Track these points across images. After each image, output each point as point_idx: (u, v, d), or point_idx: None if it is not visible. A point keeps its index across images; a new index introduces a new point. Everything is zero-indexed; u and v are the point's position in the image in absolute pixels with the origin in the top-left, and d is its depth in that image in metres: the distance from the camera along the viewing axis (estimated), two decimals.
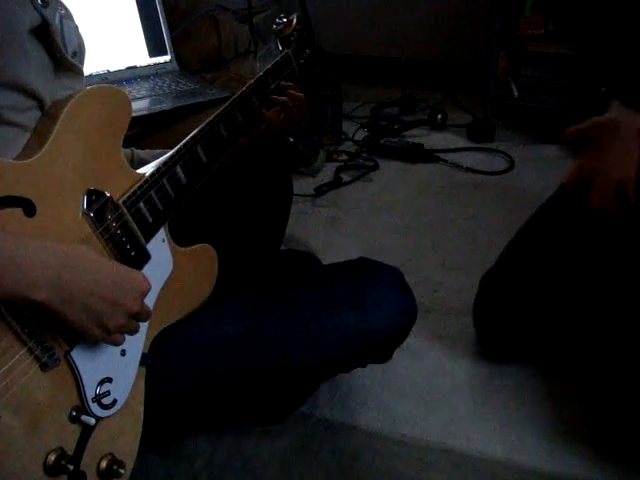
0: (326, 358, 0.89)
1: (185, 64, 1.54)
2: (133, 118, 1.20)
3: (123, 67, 1.43)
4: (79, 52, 0.79)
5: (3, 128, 0.65)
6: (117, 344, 0.66)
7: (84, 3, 1.33)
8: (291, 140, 1.76)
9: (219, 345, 0.85)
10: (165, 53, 1.49)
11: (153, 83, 1.41)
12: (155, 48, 1.48)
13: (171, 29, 1.51)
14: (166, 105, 1.28)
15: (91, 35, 1.33)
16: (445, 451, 1.03)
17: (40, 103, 0.68)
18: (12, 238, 0.55)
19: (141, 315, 0.67)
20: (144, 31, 1.46)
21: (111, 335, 0.64)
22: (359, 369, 1.17)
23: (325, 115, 1.96)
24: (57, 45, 0.71)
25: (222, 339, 0.85)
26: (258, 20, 1.94)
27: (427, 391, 1.13)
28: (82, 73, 0.77)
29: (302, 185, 1.80)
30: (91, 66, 1.37)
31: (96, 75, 1.38)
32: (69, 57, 0.73)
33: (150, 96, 1.35)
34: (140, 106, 1.29)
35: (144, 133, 1.22)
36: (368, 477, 1.00)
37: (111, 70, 1.41)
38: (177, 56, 1.52)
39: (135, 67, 1.45)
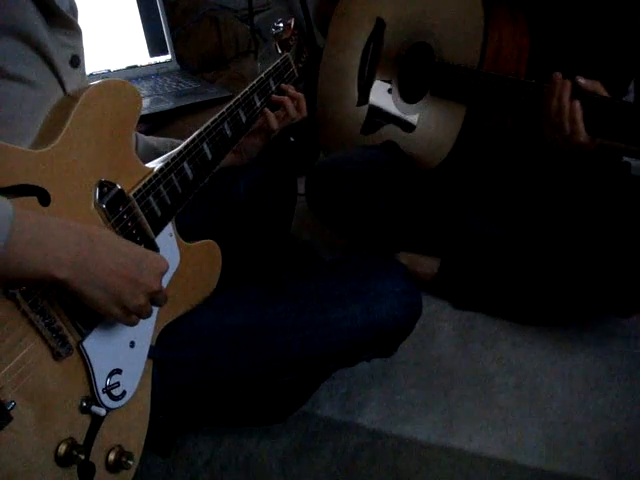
0: (330, 350, 0.89)
1: (186, 63, 1.55)
2: None
3: (124, 66, 1.44)
4: (72, 12, 0.78)
5: (6, 83, 0.63)
6: (132, 324, 0.67)
7: (85, 3, 1.34)
8: (292, 140, 1.76)
9: (224, 336, 0.85)
10: (166, 52, 1.50)
11: (154, 82, 1.42)
12: (156, 47, 1.48)
13: (172, 28, 1.51)
14: (167, 105, 1.29)
15: (92, 35, 1.34)
16: (446, 450, 1.03)
17: (44, 56, 0.66)
18: (33, 216, 0.55)
19: (160, 295, 0.67)
20: (145, 31, 1.46)
21: (128, 316, 0.64)
22: (361, 367, 1.17)
23: None
24: None
25: (227, 330, 0.86)
26: (259, 20, 1.93)
27: (428, 390, 1.13)
28: (80, 31, 0.75)
29: (303, 184, 1.80)
30: (92, 66, 1.37)
31: (97, 74, 1.38)
32: (62, 8, 0.70)
33: (151, 95, 1.35)
34: None
35: (144, 133, 1.22)
36: (369, 476, 1.00)
37: (112, 70, 1.41)
38: (178, 55, 1.52)
39: (136, 66, 1.45)
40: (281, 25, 1.09)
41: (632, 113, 0.89)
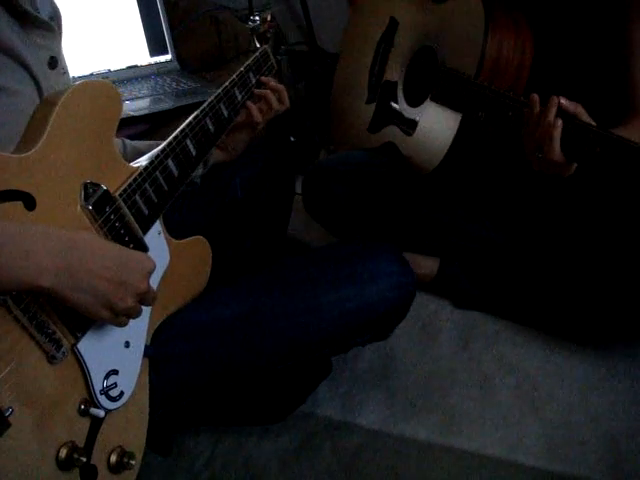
0: (325, 334, 0.89)
1: (186, 63, 1.55)
2: (134, 117, 1.22)
3: (124, 66, 1.44)
4: (55, 17, 0.78)
5: None
6: (123, 326, 0.67)
7: (85, 2, 1.34)
8: (292, 139, 1.76)
9: (217, 327, 0.86)
10: (166, 52, 1.49)
11: (154, 82, 1.42)
12: (156, 47, 1.48)
13: (172, 28, 1.51)
14: (167, 104, 1.28)
15: (92, 34, 1.34)
16: (446, 450, 1.03)
17: (18, 61, 0.66)
18: (15, 226, 0.55)
19: (148, 295, 0.67)
20: (145, 30, 1.46)
21: (118, 317, 0.64)
22: (361, 367, 1.17)
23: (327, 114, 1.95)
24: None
25: (220, 321, 0.86)
26: None
27: (428, 390, 1.13)
28: (56, 32, 0.75)
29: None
30: (92, 65, 1.37)
31: (97, 74, 1.38)
32: (31, 9, 0.70)
33: (151, 95, 1.35)
34: (141, 105, 1.29)
35: (145, 132, 1.22)
36: (369, 475, 1.00)
37: (112, 69, 1.41)
38: (178, 55, 1.52)
39: (136, 66, 1.45)
40: (257, 19, 1.10)
41: (611, 145, 0.87)
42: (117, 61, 1.42)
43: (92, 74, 1.37)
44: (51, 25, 0.74)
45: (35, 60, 0.69)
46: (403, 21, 1.37)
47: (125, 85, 1.39)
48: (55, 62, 0.74)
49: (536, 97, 0.95)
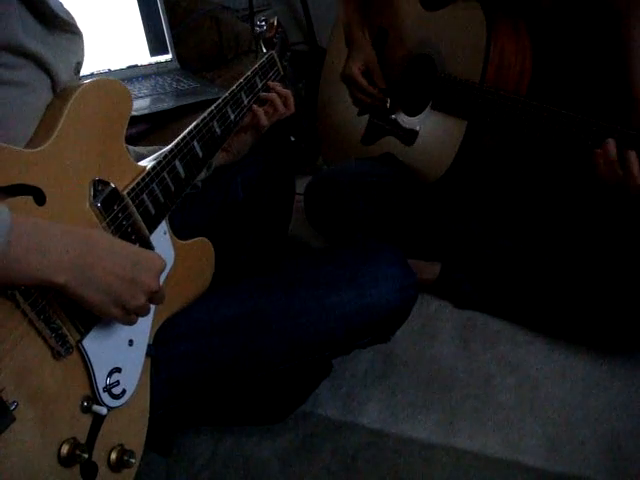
0: (326, 336, 0.89)
1: (186, 63, 1.54)
2: (134, 117, 1.21)
3: (124, 66, 1.43)
4: (70, 19, 0.78)
5: (2, 88, 0.63)
6: (132, 324, 0.67)
7: (85, 2, 1.33)
8: (293, 139, 1.75)
9: (218, 327, 0.86)
10: (166, 52, 1.49)
11: (154, 82, 1.41)
12: (156, 47, 1.48)
13: (172, 28, 1.51)
14: (167, 104, 1.28)
15: (92, 34, 1.34)
16: (446, 450, 1.03)
17: (35, 60, 0.66)
18: (30, 221, 0.55)
19: (159, 293, 0.67)
20: (145, 30, 1.45)
21: (128, 315, 0.65)
22: (361, 367, 1.17)
23: None
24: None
25: (222, 321, 0.86)
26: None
27: (428, 390, 1.14)
28: (79, 34, 0.75)
29: (304, 184, 1.80)
30: (92, 65, 1.37)
31: (97, 74, 1.38)
32: (56, 11, 0.70)
33: (151, 95, 1.34)
34: (141, 105, 1.29)
35: (145, 132, 1.22)
36: (369, 475, 1.00)
37: (112, 69, 1.41)
38: (178, 55, 1.51)
39: (136, 66, 1.45)
40: (264, 24, 1.10)
41: None
42: (117, 61, 1.42)
43: (92, 74, 1.37)
44: (76, 26, 0.74)
45: (63, 64, 0.69)
46: (393, 30, 1.36)
47: (125, 85, 1.39)
48: (80, 67, 0.75)
49: (612, 145, 0.94)
